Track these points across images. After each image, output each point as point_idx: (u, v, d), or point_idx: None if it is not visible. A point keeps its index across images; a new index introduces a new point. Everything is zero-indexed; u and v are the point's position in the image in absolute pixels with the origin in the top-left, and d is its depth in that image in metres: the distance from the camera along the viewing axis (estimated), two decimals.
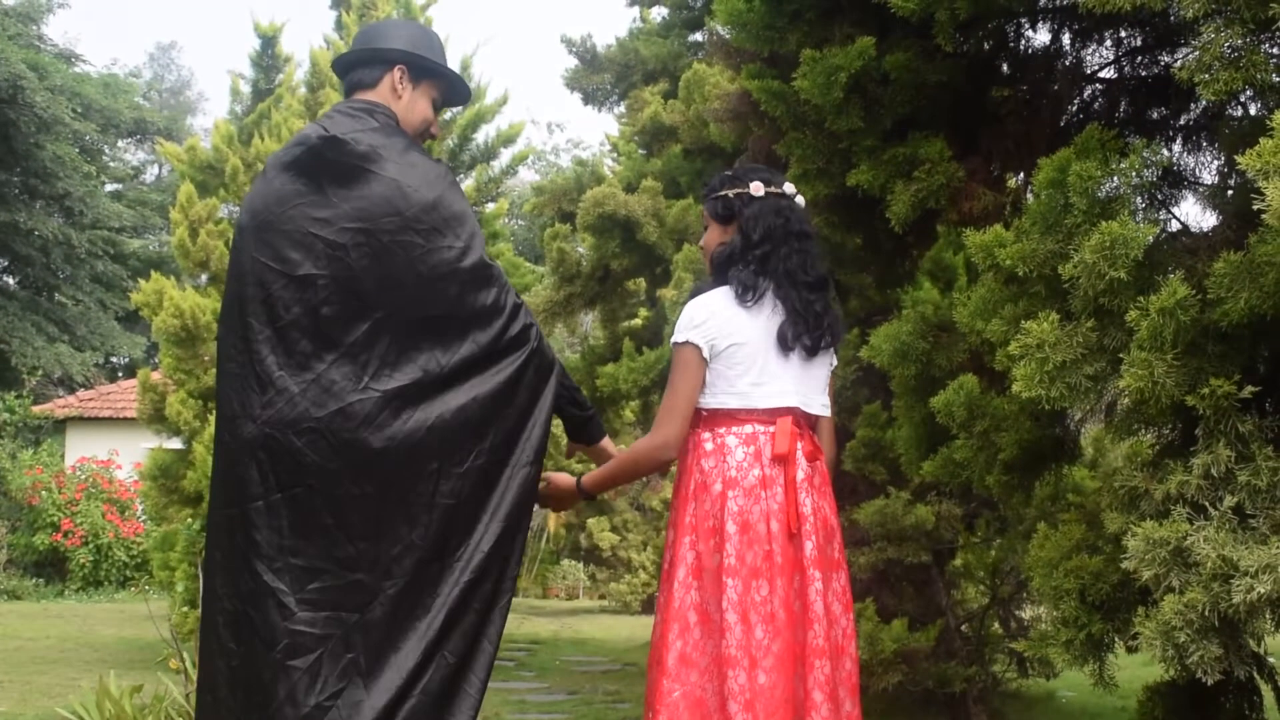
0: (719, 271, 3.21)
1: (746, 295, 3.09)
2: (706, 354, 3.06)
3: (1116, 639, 3.60)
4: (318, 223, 2.92)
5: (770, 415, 3.07)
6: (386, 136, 3.03)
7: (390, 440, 2.86)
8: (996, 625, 6.93)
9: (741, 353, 3.07)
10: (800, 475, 3.03)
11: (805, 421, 3.12)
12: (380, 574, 2.86)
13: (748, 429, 3.06)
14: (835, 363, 3.27)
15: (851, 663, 3.10)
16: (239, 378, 2.93)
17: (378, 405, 2.85)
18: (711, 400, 3.09)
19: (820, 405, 3.17)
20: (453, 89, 3.36)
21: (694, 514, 3.06)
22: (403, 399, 2.87)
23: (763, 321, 3.09)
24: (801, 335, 3.09)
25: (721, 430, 3.08)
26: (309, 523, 2.86)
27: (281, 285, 2.91)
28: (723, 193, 3.26)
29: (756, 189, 3.21)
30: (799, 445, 3.05)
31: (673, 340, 3.13)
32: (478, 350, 2.96)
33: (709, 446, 3.08)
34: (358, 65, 3.19)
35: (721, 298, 3.12)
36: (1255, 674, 3.68)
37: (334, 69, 3.31)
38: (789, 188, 3.26)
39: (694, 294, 3.22)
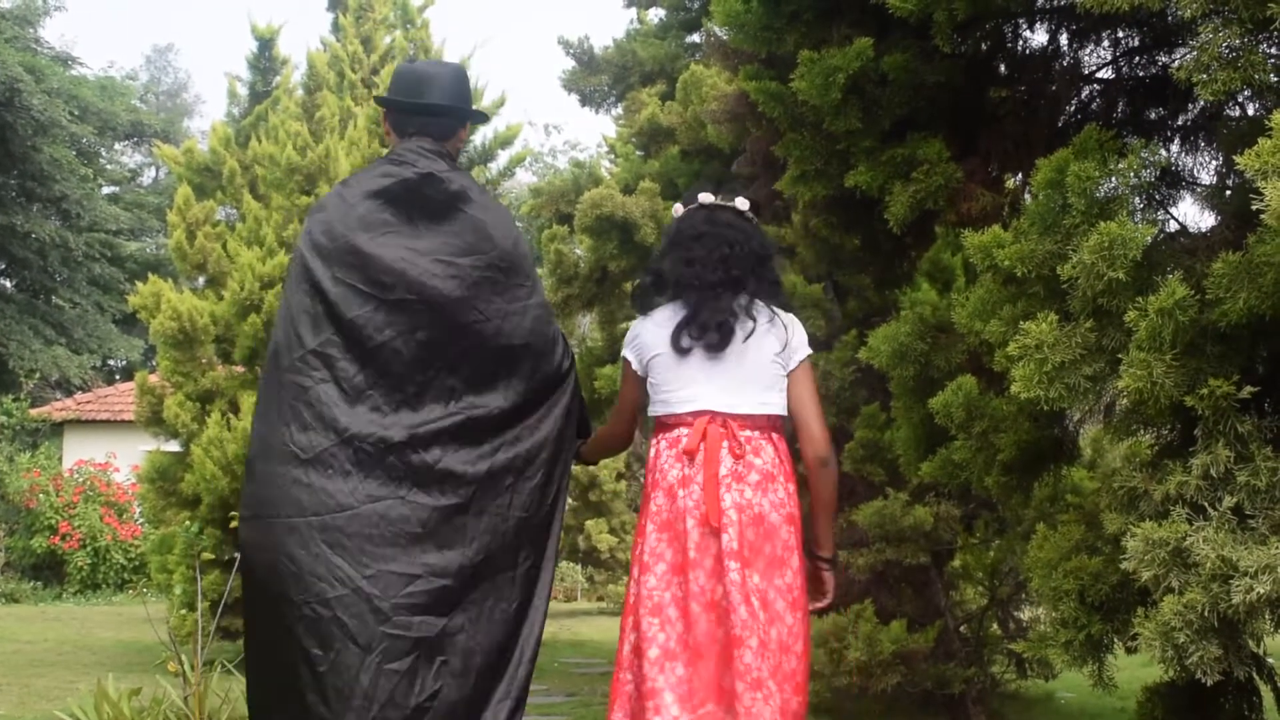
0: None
1: (645, 309, 3.32)
2: (637, 367, 3.30)
3: (1116, 640, 3.60)
4: (411, 252, 3.11)
5: (693, 418, 3.17)
6: (466, 179, 3.28)
7: (477, 457, 3.09)
8: (995, 626, 6.92)
9: (658, 363, 3.24)
10: (724, 471, 3.09)
11: (734, 421, 3.15)
12: (464, 581, 3.05)
13: (674, 433, 3.20)
14: (783, 351, 3.23)
15: (797, 660, 3.09)
16: (310, 391, 3.06)
17: (464, 425, 3.08)
18: (653, 410, 3.27)
19: (756, 403, 3.18)
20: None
21: (642, 518, 3.25)
22: (487, 420, 3.12)
23: (666, 331, 3.23)
24: (704, 334, 3.16)
25: (659, 436, 3.24)
26: (400, 531, 3.00)
27: (373, 308, 3.07)
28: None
29: (675, 210, 3.40)
30: (724, 443, 3.11)
31: (627, 348, 3.38)
32: (544, 378, 3.24)
33: (652, 454, 3.24)
34: (441, 115, 3.35)
35: (645, 317, 3.34)
36: (1255, 675, 3.68)
37: (404, 107, 3.39)
38: (705, 198, 3.35)
39: None
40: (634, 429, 3.44)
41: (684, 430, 3.16)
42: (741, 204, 3.35)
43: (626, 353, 3.32)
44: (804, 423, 3.24)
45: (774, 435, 3.21)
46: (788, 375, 3.23)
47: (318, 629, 2.96)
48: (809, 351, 3.30)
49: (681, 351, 3.17)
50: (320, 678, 2.95)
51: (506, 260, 3.18)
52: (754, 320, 3.20)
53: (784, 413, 3.23)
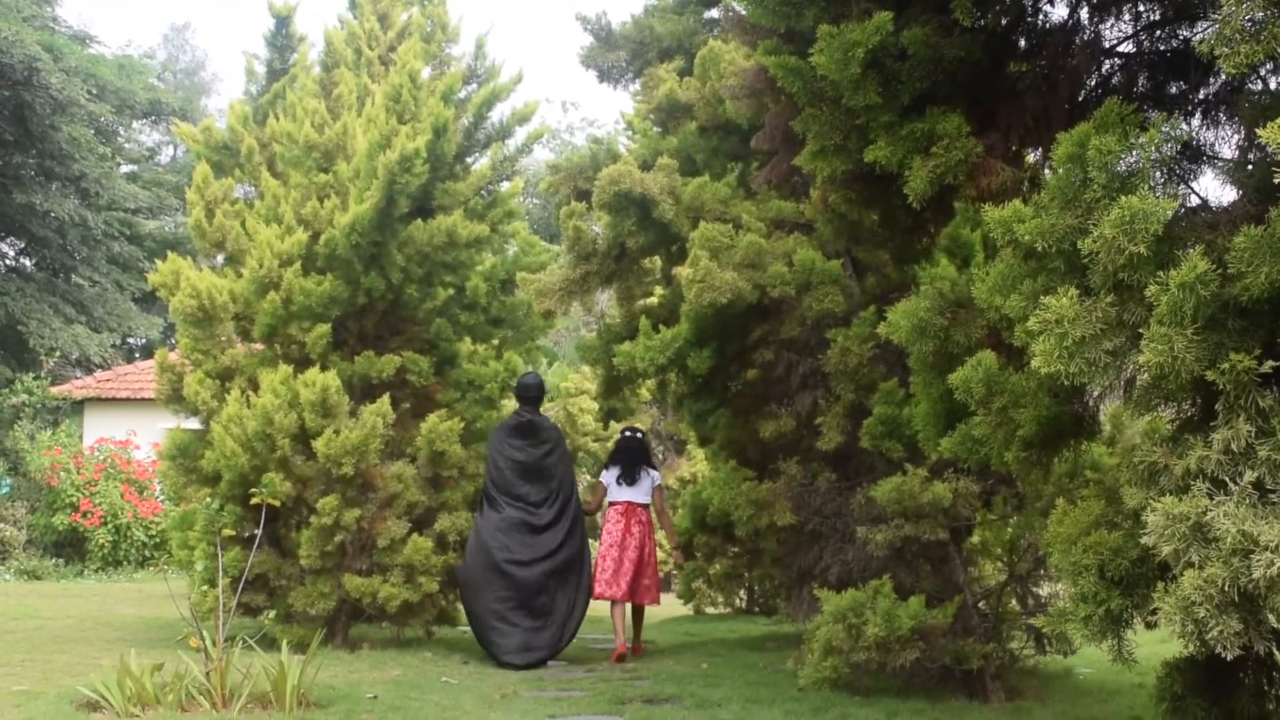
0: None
1: (611, 471, 9.44)
2: (606, 486, 9.41)
3: (1135, 615, 3.60)
4: (524, 449, 9.08)
5: (622, 504, 9.26)
6: (543, 419, 9.37)
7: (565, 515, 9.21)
8: (1014, 602, 6.92)
9: (612, 488, 9.35)
10: (633, 521, 9.20)
11: (637, 505, 9.23)
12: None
13: (617, 508, 9.29)
14: (657, 481, 9.47)
15: (649, 579, 9.31)
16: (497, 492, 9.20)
17: (554, 508, 9.10)
18: (608, 500, 9.38)
19: (644, 498, 9.27)
20: None
21: (603, 531, 9.29)
22: (563, 502, 9.14)
23: (614, 476, 9.37)
24: (627, 481, 9.26)
25: (610, 507, 9.35)
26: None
27: (509, 467, 9.14)
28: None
29: (618, 435, 9.82)
30: (633, 513, 9.22)
31: (599, 478, 9.72)
32: (574, 480, 9.52)
33: (606, 513, 9.37)
34: (533, 400, 9.28)
35: (608, 472, 9.51)
36: (1274, 649, 3.68)
37: (521, 397, 9.34)
38: (628, 431, 9.68)
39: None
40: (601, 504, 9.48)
41: (619, 507, 9.21)
42: (639, 432, 9.65)
43: (602, 480, 9.46)
44: (659, 509, 9.51)
45: (649, 510, 9.28)
46: (654, 490, 9.39)
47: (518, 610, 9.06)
48: (660, 482, 9.53)
49: (619, 486, 9.24)
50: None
51: (562, 448, 9.28)
52: (640, 474, 9.26)
53: (650, 501, 9.33)
